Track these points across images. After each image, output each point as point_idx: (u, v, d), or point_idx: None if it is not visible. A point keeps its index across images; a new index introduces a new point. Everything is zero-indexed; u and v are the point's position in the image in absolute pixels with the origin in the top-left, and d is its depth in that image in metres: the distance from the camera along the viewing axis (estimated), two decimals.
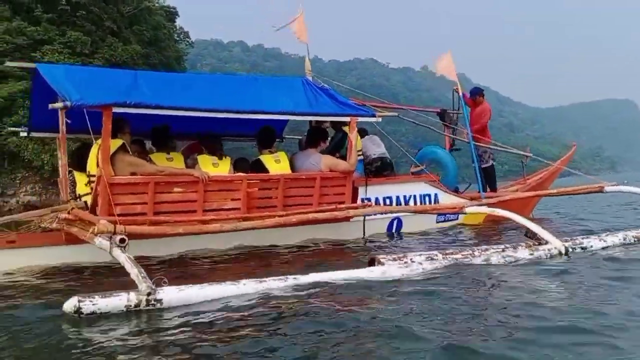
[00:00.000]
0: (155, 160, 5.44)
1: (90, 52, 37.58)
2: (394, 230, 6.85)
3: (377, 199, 6.67)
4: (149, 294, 2.98)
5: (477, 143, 7.91)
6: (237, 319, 2.75)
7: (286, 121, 7.48)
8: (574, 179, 9.56)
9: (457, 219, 7.46)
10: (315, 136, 6.48)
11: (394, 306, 2.90)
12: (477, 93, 8.61)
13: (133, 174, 5.08)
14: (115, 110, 4.77)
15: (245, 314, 2.86)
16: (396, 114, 7.26)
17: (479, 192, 7.71)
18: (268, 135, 6.26)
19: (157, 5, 48.99)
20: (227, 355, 2.21)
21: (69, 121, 5.27)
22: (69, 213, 4.85)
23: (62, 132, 5.37)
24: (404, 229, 6.86)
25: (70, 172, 5.88)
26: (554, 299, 2.95)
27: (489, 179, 8.36)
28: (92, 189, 5.18)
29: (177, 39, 52.97)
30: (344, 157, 6.41)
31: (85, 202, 5.43)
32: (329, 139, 6.69)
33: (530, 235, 4.65)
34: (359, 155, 6.55)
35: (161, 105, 4.98)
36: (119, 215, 4.61)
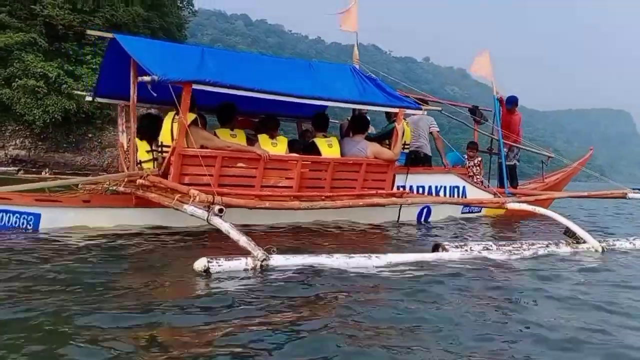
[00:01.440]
0: (220, 135, 5.83)
1: (91, 9, 37.32)
2: (423, 218, 7.39)
3: (411, 187, 7.22)
4: (263, 260, 3.44)
5: (506, 141, 8.46)
6: (329, 287, 3.20)
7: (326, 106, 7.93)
8: (584, 183, 10.19)
9: (480, 211, 8.09)
10: (361, 123, 6.93)
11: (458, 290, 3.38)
12: (513, 102, 9.11)
13: (202, 146, 5.48)
14: (195, 87, 5.16)
15: (337, 282, 3.31)
16: (439, 108, 7.74)
17: (501, 187, 8.35)
18: (324, 119, 6.71)
19: None
20: (322, 315, 2.65)
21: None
22: (143, 179, 5.22)
23: (133, 101, 5.71)
24: (432, 217, 7.42)
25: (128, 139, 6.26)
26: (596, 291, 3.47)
27: (511, 176, 8.96)
28: (162, 158, 5.59)
29: (180, 5, 52.53)
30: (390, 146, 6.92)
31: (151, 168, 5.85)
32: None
33: (569, 234, 5.16)
34: (403, 146, 7.02)
35: (237, 85, 5.37)
36: (185, 184, 5.05)
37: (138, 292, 2.96)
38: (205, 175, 5.46)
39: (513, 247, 4.62)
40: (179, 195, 4.62)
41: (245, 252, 3.56)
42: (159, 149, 5.67)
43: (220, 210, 4.03)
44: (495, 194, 8.12)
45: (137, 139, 6.08)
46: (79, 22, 36.37)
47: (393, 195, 6.54)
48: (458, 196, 7.90)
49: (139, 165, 5.99)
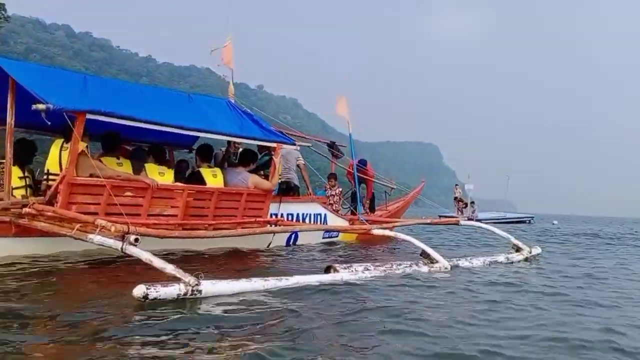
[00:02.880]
0: (107, 164, 5.90)
1: None
2: (292, 242, 8.15)
3: (282, 214, 7.94)
4: (195, 285, 3.78)
5: (361, 175, 9.72)
6: (252, 308, 3.70)
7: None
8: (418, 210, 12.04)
9: (337, 236, 9.17)
10: (247, 157, 7.51)
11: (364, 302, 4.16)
12: (364, 163, 10.56)
13: (91, 175, 5.52)
14: (89, 116, 5.25)
15: (259, 306, 3.82)
16: (310, 144, 8.63)
17: (355, 213, 9.61)
18: (208, 151, 7.10)
19: None
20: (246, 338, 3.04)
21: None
22: (30, 207, 5.09)
23: (10, 126, 5.52)
24: (298, 242, 8.23)
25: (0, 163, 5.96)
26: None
27: (371, 205, 10.40)
28: (47, 185, 5.49)
29: None
30: (266, 176, 7.57)
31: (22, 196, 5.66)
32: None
33: (424, 255, 6.30)
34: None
35: (131, 117, 5.57)
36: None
37: (80, 321, 3.13)
38: (92, 204, 5.53)
39: (386, 267, 5.56)
40: (80, 224, 4.67)
41: (169, 278, 3.85)
42: (45, 177, 5.54)
43: (136, 240, 4.25)
44: (350, 221, 9.34)
45: (10, 164, 5.83)
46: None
47: (269, 222, 7.20)
48: (320, 222, 8.84)
49: (9, 192, 5.74)
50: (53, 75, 5.93)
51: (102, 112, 5.33)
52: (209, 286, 3.89)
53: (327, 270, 5.10)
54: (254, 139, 7.33)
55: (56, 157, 5.53)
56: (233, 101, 8.05)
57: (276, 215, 7.73)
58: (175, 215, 6.29)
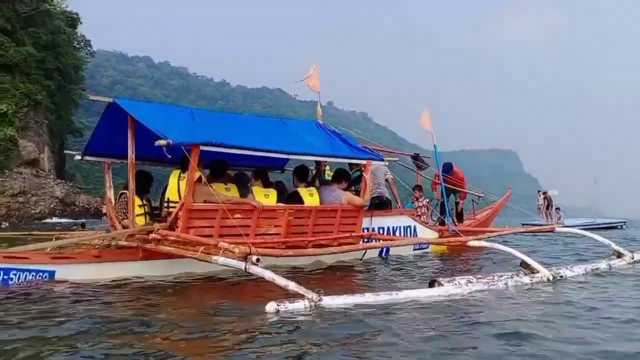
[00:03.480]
0: (217, 189, 6.45)
1: None
2: (384, 254, 8.42)
3: (374, 228, 8.22)
4: (318, 301, 4.15)
5: (449, 185, 9.87)
6: (367, 321, 3.97)
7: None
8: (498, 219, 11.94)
9: (428, 247, 9.29)
10: (340, 175, 7.90)
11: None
12: (449, 168, 10.61)
13: (205, 201, 6.08)
14: (202, 148, 5.81)
15: (382, 316, 4.11)
16: (397, 158, 8.93)
17: (443, 224, 9.72)
18: (304, 172, 7.55)
19: (58, 9, 47.43)
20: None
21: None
22: (156, 233, 5.71)
23: (131, 160, 6.21)
24: (390, 252, 8.49)
25: (121, 194, 6.69)
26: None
27: (458, 215, 10.46)
28: (167, 212, 6.11)
29: (77, 46, 51.44)
30: (357, 192, 7.91)
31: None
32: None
33: (524, 265, 6.35)
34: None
35: (240, 145, 6.10)
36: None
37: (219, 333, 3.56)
38: (207, 227, 6.07)
39: (488, 279, 5.67)
40: (204, 247, 5.19)
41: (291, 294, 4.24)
42: (166, 204, 6.17)
43: (258, 260, 4.68)
44: (439, 232, 9.46)
45: (130, 194, 6.53)
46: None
47: (362, 236, 7.55)
48: (410, 234, 9.05)
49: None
50: (165, 111, 6.62)
51: (214, 143, 5.88)
52: (329, 301, 4.24)
53: (432, 284, 5.30)
54: (345, 157, 7.69)
55: (175, 186, 6.15)
56: (321, 122, 8.47)
57: (368, 229, 8.01)
58: (279, 234, 6.72)
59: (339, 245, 6.97)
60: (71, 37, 49.19)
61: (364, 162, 7.70)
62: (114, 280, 5.59)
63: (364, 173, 7.72)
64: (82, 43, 53.03)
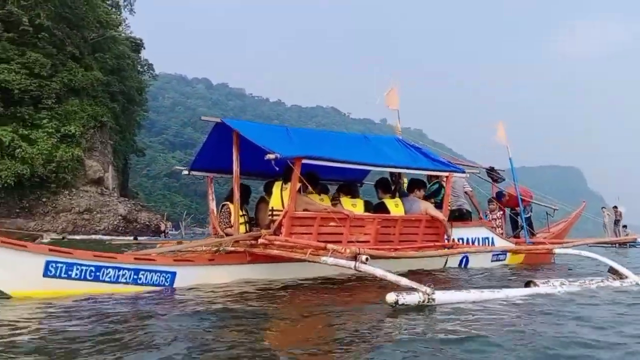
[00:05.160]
0: (313, 199, 7.08)
1: (49, 74, 38.30)
2: (463, 264, 8.78)
3: (453, 239, 8.61)
4: (431, 294, 4.64)
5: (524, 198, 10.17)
6: (479, 315, 4.41)
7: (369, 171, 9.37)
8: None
9: (505, 259, 9.57)
10: (415, 185, 8.38)
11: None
12: (502, 195, 10.96)
13: (304, 210, 6.71)
14: (304, 161, 6.45)
15: (484, 313, 4.54)
16: (478, 171, 9.33)
17: (516, 237, 10.00)
18: (388, 184, 8.11)
19: (122, 35, 50.21)
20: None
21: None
22: (263, 238, 6.37)
23: (236, 174, 6.94)
24: (469, 264, 8.84)
25: (223, 205, 7.42)
26: None
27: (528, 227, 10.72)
28: (270, 220, 6.79)
29: (141, 70, 54.25)
30: (436, 203, 8.36)
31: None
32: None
33: (612, 271, 6.63)
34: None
35: (335, 159, 6.72)
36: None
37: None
38: (305, 233, 6.68)
39: (580, 282, 6.02)
40: (312, 249, 5.79)
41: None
42: (270, 213, 6.84)
43: (367, 259, 5.23)
44: (516, 244, 9.73)
45: (230, 204, 7.25)
46: (35, 86, 37.16)
47: (445, 246, 7.95)
48: (488, 246, 9.37)
49: (232, 228, 7.15)
50: (264, 129, 7.35)
51: (315, 157, 6.53)
52: (440, 295, 4.72)
53: (527, 284, 5.70)
54: (427, 169, 8.17)
55: (278, 196, 6.82)
56: (400, 137, 8.99)
57: (449, 239, 8.42)
58: (368, 242, 7.24)
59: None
60: (135, 61, 51.86)
61: (446, 174, 8.15)
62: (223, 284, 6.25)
63: (444, 185, 8.16)
64: (145, 67, 55.82)
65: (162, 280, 6.04)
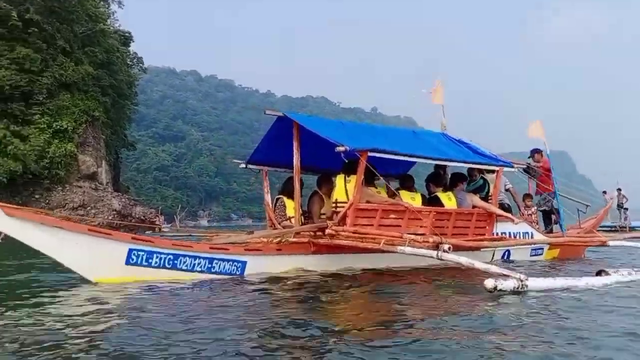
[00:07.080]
0: (373, 191, 7.25)
1: (39, 70, 37.90)
2: (505, 258, 9.01)
3: (497, 233, 8.84)
4: (524, 280, 4.84)
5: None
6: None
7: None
8: None
9: (542, 254, 9.83)
10: (457, 179, 8.61)
11: None
12: (535, 152, 11.17)
13: (367, 202, 6.89)
14: (370, 154, 6.62)
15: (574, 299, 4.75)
16: (524, 165, 9.57)
17: (555, 231, 10.30)
18: (440, 178, 8.30)
19: (111, 28, 49.83)
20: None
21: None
22: (330, 229, 6.54)
23: (297, 168, 7.09)
24: (511, 257, 9.04)
25: (278, 199, 7.57)
26: None
27: (547, 220, 11.02)
28: (333, 212, 6.96)
29: (130, 63, 53.88)
30: (480, 198, 8.58)
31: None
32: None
33: None
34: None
35: (397, 151, 6.90)
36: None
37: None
38: (367, 225, 6.85)
39: None
40: (386, 239, 5.98)
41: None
42: (334, 204, 7.00)
43: (449, 248, 5.42)
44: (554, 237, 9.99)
45: (284, 198, 7.40)
46: (26, 82, 36.81)
47: (494, 240, 8.18)
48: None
49: (288, 220, 7.31)
50: (323, 123, 7.53)
51: (380, 150, 6.73)
52: (532, 282, 4.92)
53: (599, 273, 5.93)
54: (479, 163, 8.38)
55: (342, 189, 6.98)
56: (447, 132, 9.20)
57: (495, 234, 8.65)
58: (424, 234, 7.40)
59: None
60: (124, 55, 51.46)
61: (497, 168, 8.37)
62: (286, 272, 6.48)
63: (495, 179, 8.38)
64: (135, 60, 55.43)
65: (234, 269, 6.22)
